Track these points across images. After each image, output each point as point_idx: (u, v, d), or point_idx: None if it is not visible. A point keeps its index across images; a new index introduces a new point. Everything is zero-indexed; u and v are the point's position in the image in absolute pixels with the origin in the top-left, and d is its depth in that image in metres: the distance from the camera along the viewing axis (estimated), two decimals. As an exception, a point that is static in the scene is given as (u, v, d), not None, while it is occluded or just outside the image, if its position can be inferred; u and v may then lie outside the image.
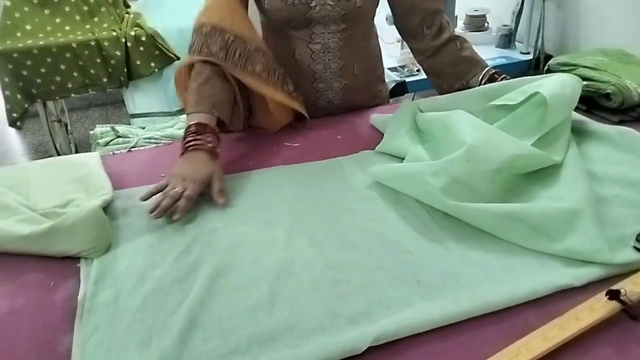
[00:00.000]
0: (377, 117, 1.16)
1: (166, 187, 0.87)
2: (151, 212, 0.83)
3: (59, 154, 2.33)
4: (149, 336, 0.63)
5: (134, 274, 0.73)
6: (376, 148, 1.04)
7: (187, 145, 0.92)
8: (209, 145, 0.92)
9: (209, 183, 0.89)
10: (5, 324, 0.66)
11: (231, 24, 1.04)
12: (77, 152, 2.59)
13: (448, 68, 1.20)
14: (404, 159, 0.96)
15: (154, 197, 0.86)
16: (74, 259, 0.77)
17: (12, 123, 2.16)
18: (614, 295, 0.61)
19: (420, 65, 1.26)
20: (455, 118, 0.91)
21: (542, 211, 0.75)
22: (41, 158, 1.11)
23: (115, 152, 1.09)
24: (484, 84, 1.15)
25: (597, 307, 0.61)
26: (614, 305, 0.61)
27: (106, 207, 0.86)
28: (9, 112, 2.13)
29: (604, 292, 0.62)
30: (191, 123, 0.95)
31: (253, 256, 0.76)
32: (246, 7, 1.11)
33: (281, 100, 1.08)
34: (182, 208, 0.83)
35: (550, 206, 0.76)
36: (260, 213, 0.86)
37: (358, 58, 1.18)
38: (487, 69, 1.17)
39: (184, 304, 0.67)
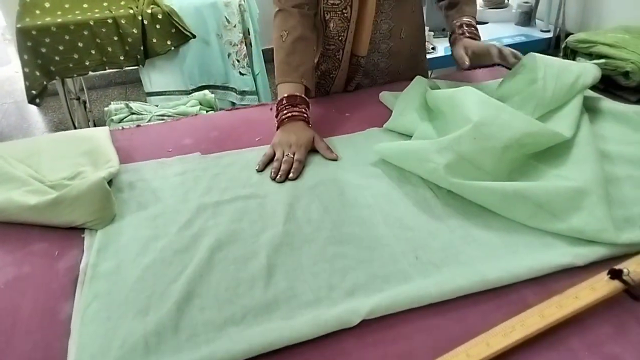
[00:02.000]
0: (386, 94, 1.14)
1: (274, 156, 0.94)
2: (274, 178, 0.89)
3: (77, 131, 2.36)
4: (147, 305, 0.64)
5: (137, 245, 0.74)
6: (384, 125, 1.03)
7: (284, 118, 0.99)
8: (305, 115, 1.01)
9: (312, 146, 0.96)
10: (12, 289, 0.68)
11: None
12: (96, 129, 2.61)
13: (445, 11, 1.22)
14: (411, 136, 0.95)
15: (270, 165, 0.92)
16: (79, 230, 0.78)
17: (31, 100, 2.19)
18: (616, 274, 0.60)
19: None
20: (463, 94, 0.89)
21: (548, 189, 0.73)
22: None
23: (124, 127, 1.10)
24: (454, 32, 1.17)
25: (598, 287, 0.60)
26: (615, 284, 0.60)
27: (112, 180, 0.88)
28: (28, 89, 2.16)
29: (606, 272, 0.61)
30: (284, 96, 1.02)
31: (254, 229, 0.76)
32: None
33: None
34: (297, 170, 0.90)
35: (557, 185, 0.74)
36: (263, 188, 0.86)
37: (406, 22, 1.18)
38: (466, 19, 1.17)
39: (183, 274, 0.68)
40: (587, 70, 0.97)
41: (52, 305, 0.65)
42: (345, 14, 1.10)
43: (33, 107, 3.25)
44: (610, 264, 0.63)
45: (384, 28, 1.16)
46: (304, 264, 0.69)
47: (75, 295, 0.66)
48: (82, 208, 0.77)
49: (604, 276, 0.61)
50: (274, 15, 1.09)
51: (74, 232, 0.78)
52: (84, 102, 2.63)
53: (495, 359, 0.54)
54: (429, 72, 1.48)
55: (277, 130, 1.00)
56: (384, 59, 1.21)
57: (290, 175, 0.89)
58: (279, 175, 0.89)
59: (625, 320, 0.59)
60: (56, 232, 0.78)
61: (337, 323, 0.59)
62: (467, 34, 1.15)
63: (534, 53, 1.00)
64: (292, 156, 0.92)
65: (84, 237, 0.77)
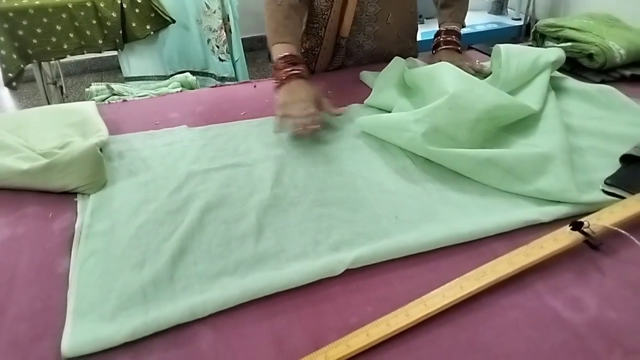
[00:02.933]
0: (366, 73, 1.19)
1: (285, 115, 0.94)
2: (301, 132, 0.91)
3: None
4: (142, 260, 0.67)
5: (129, 207, 0.77)
6: (365, 102, 1.08)
7: (289, 74, 1.00)
8: (305, 73, 1.02)
9: (318, 103, 0.97)
10: (7, 248, 0.71)
11: None
12: (72, 115, 2.59)
13: (438, 6, 1.28)
14: (390, 111, 1.00)
15: (290, 124, 0.93)
16: (71, 195, 0.81)
17: (8, 83, 2.17)
18: (577, 226, 0.66)
19: None
20: (440, 70, 0.94)
21: (516, 156, 0.79)
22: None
23: (111, 101, 1.12)
24: (438, 33, 1.24)
25: (561, 238, 0.66)
26: (576, 236, 0.66)
27: (102, 150, 0.90)
28: (4, 71, 2.14)
29: (568, 224, 0.67)
30: (283, 54, 1.02)
31: (243, 194, 0.80)
32: None
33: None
34: (317, 121, 0.92)
35: (525, 151, 0.80)
36: (250, 157, 0.90)
37: (393, 8, 1.22)
38: (453, 25, 1.23)
39: (176, 233, 0.71)
40: (549, 51, 1.04)
41: (49, 261, 0.68)
42: None
43: (6, 94, 3.21)
44: (572, 220, 0.69)
45: (370, 11, 1.19)
46: (291, 223, 0.73)
47: (72, 252, 0.69)
48: (75, 173, 0.79)
49: (566, 228, 0.67)
50: None
51: (67, 197, 0.80)
52: (61, 87, 2.61)
53: (468, 300, 0.60)
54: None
55: (277, 88, 1.00)
56: (369, 41, 1.25)
57: (314, 127, 0.91)
58: (304, 131, 0.91)
59: (585, 268, 0.65)
60: (49, 197, 0.80)
61: (323, 271, 0.63)
62: (449, 45, 1.21)
63: (498, 45, 1.06)
64: (309, 111, 0.93)
65: (76, 201, 0.79)
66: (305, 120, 0.91)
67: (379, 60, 1.28)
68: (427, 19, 1.94)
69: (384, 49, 1.28)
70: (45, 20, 2.11)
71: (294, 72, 1.00)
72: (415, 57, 1.30)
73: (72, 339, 0.55)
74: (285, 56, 1.02)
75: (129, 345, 0.56)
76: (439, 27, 1.25)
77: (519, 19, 1.70)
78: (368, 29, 1.22)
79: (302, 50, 1.23)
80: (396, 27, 1.25)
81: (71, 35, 2.17)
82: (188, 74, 2.00)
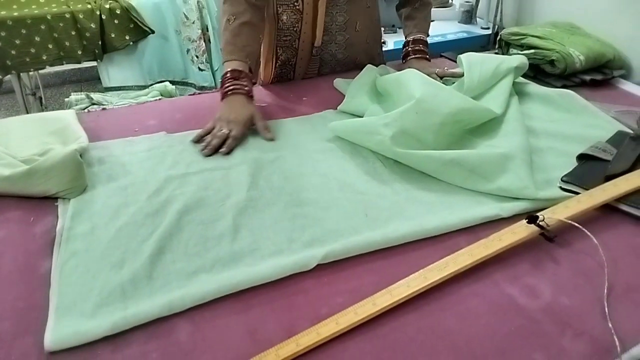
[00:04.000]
0: (339, 81, 1.23)
1: (212, 129, 0.99)
2: (202, 150, 0.94)
3: (33, 127, 2.34)
4: (122, 260, 0.70)
5: (109, 210, 0.80)
6: (338, 108, 1.12)
7: (226, 90, 1.05)
8: (246, 88, 1.05)
9: (251, 123, 1.02)
10: (-11, 251, 0.72)
11: None
12: (52, 126, 2.59)
13: (402, 18, 1.34)
14: (362, 116, 1.04)
15: (204, 138, 0.98)
16: (52, 199, 0.83)
17: (-14, 94, 2.17)
18: (532, 219, 0.70)
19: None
20: (407, 76, 0.99)
21: (479, 156, 0.84)
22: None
23: (90, 109, 1.14)
24: (407, 43, 1.29)
25: (518, 231, 0.70)
26: (533, 229, 0.70)
27: (82, 156, 0.92)
28: (-17, 83, 2.14)
29: (524, 218, 0.71)
30: (228, 70, 1.06)
31: (219, 196, 0.83)
32: None
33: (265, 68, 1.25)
34: (229, 145, 0.95)
35: (487, 152, 0.85)
36: (227, 161, 0.93)
37: (361, 16, 1.26)
38: (419, 34, 1.28)
39: (155, 234, 0.74)
40: (511, 58, 1.10)
41: (31, 263, 0.70)
42: (297, 7, 1.17)
43: (-16, 105, 3.19)
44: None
45: (340, 20, 1.24)
46: (267, 223, 0.77)
47: (53, 253, 0.71)
48: (55, 178, 0.82)
49: (523, 222, 0.71)
50: (223, 1, 1.13)
51: (48, 201, 0.82)
52: (40, 98, 2.61)
53: (432, 290, 0.63)
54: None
55: (221, 101, 1.05)
56: (341, 50, 1.29)
57: (222, 149, 0.94)
58: (207, 149, 0.94)
59: (541, 258, 0.69)
60: (30, 202, 0.82)
61: (296, 266, 0.67)
62: (418, 54, 1.26)
63: (460, 55, 1.12)
64: (227, 132, 0.97)
65: (57, 205, 0.81)
66: (215, 141, 0.95)
67: (351, 68, 1.33)
68: (399, 28, 2.00)
69: (355, 56, 1.33)
70: (24, 31, 2.11)
71: (235, 87, 1.04)
72: (383, 63, 1.35)
73: (55, 333, 0.58)
74: (230, 71, 1.06)
75: (109, 339, 0.58)
76: (406, 37, 1.31)
77: (488, 28, 1.77)
78: (339, 37, 1.27)
79: (279, 63, 1.27)
80: (364, 35, 1.30)
81: (50, 46, 2.18)
82: (167, 83, 2.02)
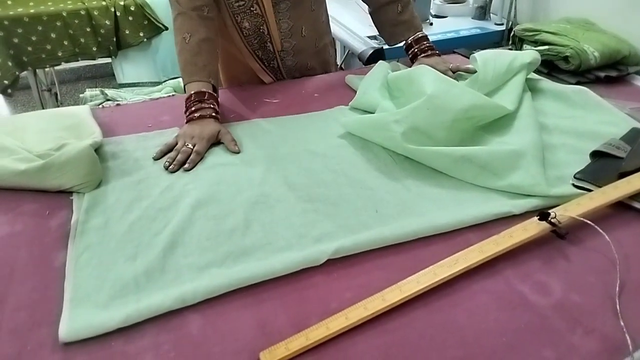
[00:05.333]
0: (351, 77, 1.23)
1: (175, 145, 0.95)
2: (167, 167, 0.90)
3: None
4: (135, 253, 0.71)
5: (122, 205, 0.81)
6: (349, 104, 1.12)
7: (190, 115, 1.00)
8: (211, 112, 1.01)
9: (217, 139, 0.97)
10: (6, 244, 0.74)
11: None
12: (67, 121, 2.62)
13: (386, 27, 1.26)
14: (374, 112, 1.04)
15: (167, 155, 0.94)
16: (67, 193, 0.84)
17: (3, 90, 2.19)
18: (544, 216, 0.70)
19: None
20: (419, 72, 0.99)
21: (490, 153, 0.83)
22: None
23: (105, 105, 1.16)
24: (410, 46, 1.24)
25: (530, 228, 0.70)
26: (544, 226, 0.70)
27: (97, 151, 0.93)
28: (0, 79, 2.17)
29: (536, 215, 0.71)
30: (192, 92, 1.02)
31: (231, 191, 0.84)
32: None
33: (253, 67, 1.22)
34: (193, 161, 0.91)
35: (499, 148, 0.85)
36: (239, 157, 0.94)
37: (306, 21, 1.23)
38: (417, 33, 1.23)
39: (167, 228, 0.75)
40: (524, 53, 1.09)
41: (46, 256, 0.72)
42: (254, 11, 1.15)
43: (1, 101, 3.24)
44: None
45: (284, 27, 1.20)
46: (277, 219, 0.77)
47: (68, 246, 0.72)
48: (70, 172, 0.83)
49: (534, 219, 0.71)
50: (173, 19, 1.09)
51: (63, 195, 0.84)
52: (55, 94, 2.64)
53: (442, 286, 0.64)
54: (337, 66, 1.51)
55: (185, 124, 1.00)
56: (289, 57, 1.26)
57: (185, 165, 0.90)
58: (172, 165, 0.90)
59: (552, 255, 0.69)
60: (46, 195, 0.84)
61: (306, 261, 0.67)
62: (427, 52, 1.22)
63: (474, 54, 1.10)
64: (191, 147, 0.93)
65: (72, 199, 0.83)
66: (180, 157, 0.91)
67: (304, 74, 1.30)
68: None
69: (306, 62, 1.29)
70: (40, 28, 2.14)
71: (201, 113, 1.00)
72: (337, 65, 1.31)
73: (69, 325, 0.59)
74: (192, 94, 1.02)
75: (122, 331, 0.59)
76: (405, 41, 1.25)
77: (502, 24, 1.75)
78: (286, 45, 1.23)
79: (265, 63, 1.25)
80: (312, 40, 1.27)
81: (65, 42, 2.21)
82: (181, 80, 2.03)
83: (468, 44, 1.62)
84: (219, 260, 0.69)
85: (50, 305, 0.63)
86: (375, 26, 1.30)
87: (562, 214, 0.71)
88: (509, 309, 0.61)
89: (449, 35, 1.73)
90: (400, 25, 1.24)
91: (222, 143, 0.98)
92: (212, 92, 1.04)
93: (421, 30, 1.24)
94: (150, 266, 0.68)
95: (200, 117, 1.00)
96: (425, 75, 0.96)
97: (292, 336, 0.57)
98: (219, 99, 1.07)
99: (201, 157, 0.93)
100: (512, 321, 0.60)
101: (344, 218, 0.76)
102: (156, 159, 0.94)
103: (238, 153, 0.95)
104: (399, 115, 0.89)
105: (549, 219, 0.70)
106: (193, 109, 1.00)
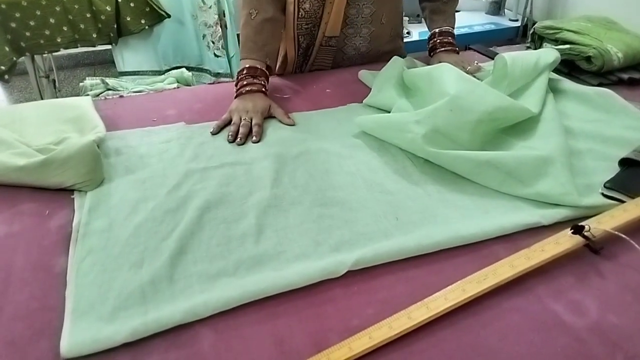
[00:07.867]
0: (365, 72, 1.18)
1: (231, 120, 0.97)
2: (232, 141, 0.92)
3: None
4: (141, 259, 0.66)
5: (127, 205, 0.76)
6: (363, 101, 1.07)
7: (241, 88, 1.03)
8: (261, 87, 1.04)
9: (268, 113, 1.01)
10: (3, 246, 0.69)
11: None
12: (65, 109, 2.57)
13: (428, 12, 1.28)
14: (389, 111, 0.99)
15: (227, 129, 0.96)
16: (68, 191, 0.80)
17: (0, 76, 2.14)
18: (578, 230, 0.66)
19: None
20: (440, 71, 0.94)
21: (516, 158, 0.79)
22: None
23: (107, 97, 1.11)
24: (433, 35, 1.25)
25: (562, 241, 0.66)
26: (577, 239, 0.66)
27: (99, 146, 0.89)
28: (-4, 64, 2.11)
29: (569, 228, 0.67)
30: (245, 66, 1.05)
31: (241, 193, 0.79)
32: None
33: (289, 53, 1.21)
34: (258, 133, 0.94)
35: (525, 154, 0.80)
36: (249, 156, 0.89)
37: (387, 8, 1.22)
38: (448, 27, 1.24)
39: (175, 232, 0.70)
40: (545, 52, 1.04)
41: (46, 260, 0.67)
42: None
43: (-2, 87, 3.17)
44: (573, 224, 0.69)
45: (366, 12, 1.19)
46: (292, 224, 0.73)
47: (70, 251, 0.68)
48: (72, 169, 0.78)
49: (567, 232, 0.67)
50: None
51: (64, 193, 0.79)
52: (54, 81, 2.58)
53: (470, 303, 0.59)
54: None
55: (234, 98, 1.03)
56: (365, 43, 1.25)
57: (254, 138, 0.92)
58: (238, 138, 0.92)
59: (586, 271, 0.65)
60: (45, 193, 0.79)
61: (324, 273, 0.63)
62: (447, 47, 1.22)
63: (501, 54, 1.04)
64: (249, 121, 0.95)
65: (73, 198, 0.78)
66: (243, 130, 0.93)
67: (373, 61, 1.28)
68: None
69: (379, 49, 1.29)
70: (38, 13, 2.08)
71: (252, 87, 1.03)
72: (404, 55, 1.30)
73: (71, 339, 0.55)
74: (245, 69, 1.05)
75: (128, 346, 0.55)
76: (432, 30, 1.26)
77: (517, 20, 1.71)
78: (364, 30, 1.22)
79: (301, 51, 1.22)
80: (389, 27, 1.26)
81: (65, 28, 2.15)
82: (184, 69, 1.98)
83: (482, 40, 1.58)
84: (230, 268, 0.65)
85: (49, 315, 0.59)
86: (421, 8, 1.32)
87: (595, 226, 0.67)
88: (544, 330, 0.57)
89: (463, 31, 1.69)
90: (440, 14, 1.25)
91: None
92: (264, 69, 1.06)
93: (452, 27, 1.24)
94: (157, 274, 0.63)
95: (250, 92, 1.02)
96: (447, 74, 0.91)
97: (313, 357, 0.53)
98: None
99: (262, 128, 0.95)
100: (548, 345, 0.56)
101: (363, 225, 0.72)
102: (214, 133, 0.95)
103: (293, 125, 0.98)
104: (420, 116, 0.85)
105: (583, 232, 0.66)
106: (245, 82, 1.03)
